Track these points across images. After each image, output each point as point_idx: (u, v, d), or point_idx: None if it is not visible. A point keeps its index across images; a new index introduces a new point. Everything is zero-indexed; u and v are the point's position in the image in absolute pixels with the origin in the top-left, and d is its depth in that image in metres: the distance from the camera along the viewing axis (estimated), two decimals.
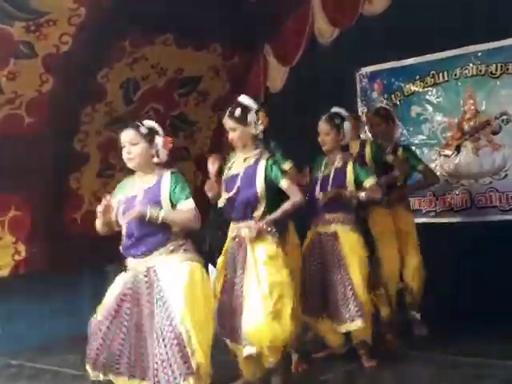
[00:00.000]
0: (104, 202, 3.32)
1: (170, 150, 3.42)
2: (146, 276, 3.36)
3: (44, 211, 5.28)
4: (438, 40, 5.28)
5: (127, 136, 3.36)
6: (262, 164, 3.70)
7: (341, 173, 4.21)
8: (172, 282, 3.30)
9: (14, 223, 5.12)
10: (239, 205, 3.71)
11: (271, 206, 3.70)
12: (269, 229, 3.67)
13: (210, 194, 3.83)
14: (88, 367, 3.46)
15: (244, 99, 3.74)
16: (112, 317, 3.40)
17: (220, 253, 3.90)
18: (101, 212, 3.33)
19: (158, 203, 3.31)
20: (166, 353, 3.21)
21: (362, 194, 4.11)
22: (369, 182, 4.16)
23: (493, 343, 4.41)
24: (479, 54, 5.28)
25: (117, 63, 5.20)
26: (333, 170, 4.23)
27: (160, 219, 3.26)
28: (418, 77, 5.59)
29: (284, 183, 3.66)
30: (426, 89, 5.56)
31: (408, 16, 5.28)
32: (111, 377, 3.41)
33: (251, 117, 3.67)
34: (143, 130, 3.36)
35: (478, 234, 5.07)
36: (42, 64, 4.78)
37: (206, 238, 6.56)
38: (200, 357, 3.22)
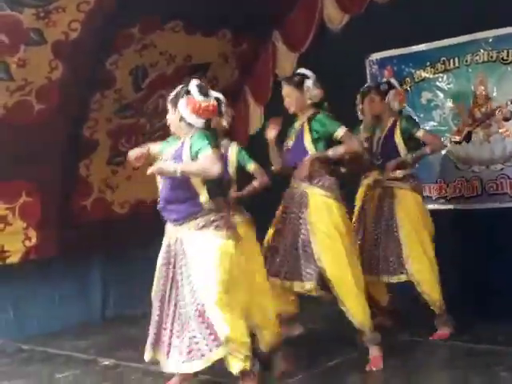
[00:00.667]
0: (143, 149, 3.48)
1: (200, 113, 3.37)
2: (175, 245, 3.36)
3: (54, 198, 5.30)
4: (449, 26, 5.22)
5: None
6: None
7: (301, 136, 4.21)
8: (199, 258, 3.26)
9: (25, 209, 5.15)
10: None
11: None
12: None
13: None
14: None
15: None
16: (161, 291, 3.41)
17: None
18: (136, 154, 3.47)
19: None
20: (190, 325, 3.20)
21: (331, 153, 4.03)
22: (340, 131, 4.02)
23: (504, 330, 4.41)
24: (490, 39, 5.22)
25: (126, 50, 5.19)
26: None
27: (179, 172, 3.20)
28: (428, 63, 5.55)
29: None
30: (436, 75, 5.52)
31: (418, 2, 5.23)
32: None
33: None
34: (175, 97, 3.47)
35: (489, 220, 5.05)
36: (51, 51, 4.78)
37: None
38: (228, 328, 3.18)
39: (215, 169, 3.22)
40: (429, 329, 4.56)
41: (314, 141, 4.02)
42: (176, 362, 3.27)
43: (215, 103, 3.46)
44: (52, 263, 5.40)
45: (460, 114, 5.42)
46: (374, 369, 3.88)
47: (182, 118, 3.41)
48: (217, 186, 3.40)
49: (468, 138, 5.34)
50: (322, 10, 5.89)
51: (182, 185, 3.30)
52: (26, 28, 4.55)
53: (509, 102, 5.14)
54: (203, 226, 3.30)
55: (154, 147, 3.59)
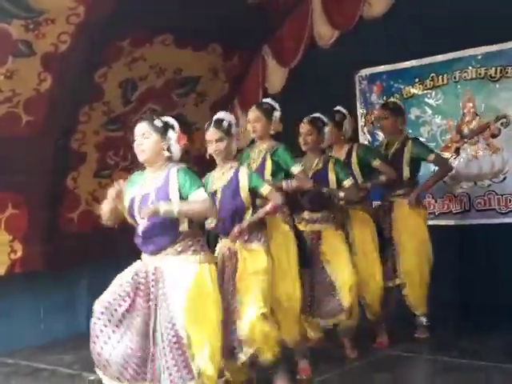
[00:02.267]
0: (117, 186, 3.25)
1: (183, 146, 3.37)
2: (153, 274, 3.31)
3: (41, 210, 5.26)
4: (438, 43, 5.28)
5: (140, 129, 3.32)
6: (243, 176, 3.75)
7: (322, 172, 4.32)
8: (176, 283, 3.24)
9: (11, 222, 5.11)
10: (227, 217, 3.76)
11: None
12: (253, 234, 3.71)
13: None
14: (99, 372, 3.37)
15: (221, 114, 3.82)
16: (117, 316, 3.32)
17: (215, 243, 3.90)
18: (112, 196, 3.25)
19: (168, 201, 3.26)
20: (166, 355, 3.18)
21: (341, 194, 4.24)
22: (347, 182, 4.28)
23: (491, 346, 4.40)
24: (479, 57, 5.27)
25: (115, 63, 5.19)
26: (311, 172, 4.32)
27: (176, 211, 3.17)
28: (417, 79, 5.59)
29: (265, 189, 3.70)
30: (425, 91, 5.56)
31: (408, 19, 5.28)
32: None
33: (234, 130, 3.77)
34: (157, 122, 3.31)
35: (477, 236, 5.06)
36: (40, 63, 4.77)
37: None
38: (202, 361, 3.15)
39: (214, 212, 3.35)
40: (417, 344, 4.56)
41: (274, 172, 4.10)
42: None
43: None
44: (38, 276, 5.34)
45: (448, 130, 5.45)
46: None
47: (168, 148, 3.35)
48: None
49: (456, 154, 5.36)
50: (312, 25, 5.93)
51: (164, 219, 3.25)
52: (14, 39, 4.53)
53: (497, 119, 5.18)
54: (181, 252, 3.29)
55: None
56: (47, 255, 5.31)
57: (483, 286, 5.02)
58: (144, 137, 3.29)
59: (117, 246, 5.62)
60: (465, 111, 5.36)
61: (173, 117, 3.46)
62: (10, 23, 4.45)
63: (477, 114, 5.30)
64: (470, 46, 5.24)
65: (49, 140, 5.13)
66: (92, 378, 4.35)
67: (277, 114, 4.18)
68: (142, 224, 3.31)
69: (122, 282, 3.42)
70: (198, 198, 3.22)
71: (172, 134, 3.34)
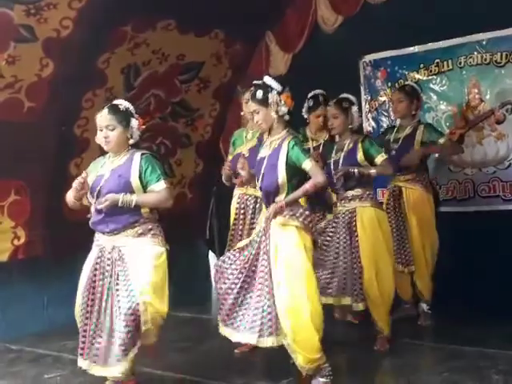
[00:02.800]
0: (80, 179, 3.50)
1: (142, 129, 3.58)
2: (109, 253, 3.49)
3: (44, 196, 5.24)
4: (443, 28, 5.22)
5: (104, 120, 3.48)
6: (285, 147, 3.54)
7: (352, 153, 4.28)
8: (137, 260, 3.42)
9: (14, 208, 5.09)
10: (263, 193, 3.66)
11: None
12: (290, 212, 3.51)
13: (243, 173, 3.88)
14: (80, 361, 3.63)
15: (267, 79, 3.64)
16: (88, 299, 3.58)
17: (220, 241, 3.93)
18: (76, 188, 3.49)
19: (127, 183, 3.44)
20: (123, 327, 3.36)
21: (373, 171, 4.19)
22: (380, 158, 4.22)
23: (495, 333, 4.40)
24: (484, 42, 5.22)
25: (118, 48, 5.15)
26: (342, 154, 4.30)
27: (133, 204, 3.41)
28: (422, 65, 5.54)
29: (307, 164, 3.49)
30: (430, 77, 5.51)
31: (412, 4, 5.21)
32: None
33: (273, 98, 3.53)
34: (120, 115, 3.47)
35: (481, 223, 5.04)
36: (42, 48, 4.73)
37: (209, 226, 6.58)
38: (152, 321, 3.40)
39: (170, 203, 3.49)
40: (422, 332, 4.55)
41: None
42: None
43: None
44: (41, 263, 5.34)
45: (453, 116, 5.41)
46: None
47: (131, 135, 3.54)
48: None
49: (461, 140, 5.32)
50: (315, 11, 5.88)
51: None
52: (16, 24, 4.49)
53: (502, 105, 5.14)
54: (141, 234, 3.47)
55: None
56: (50, 242, 5.30)
57: (487, 272, 5.00)
58: (109, 128, 3.47)
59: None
60: (470, 97, 5.31)
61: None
62: (12, 8, 4.41)
63: (482, 100, 5.26)
64: (476, 31, 5.19)
65: (51, 126, 5.11)
66: None
67: (355, 109, 4.33)
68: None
69: (86, 274, 3.65)
70: (156, 188, 3.44)
71: (134, 122, 3.52)
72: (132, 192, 3.45)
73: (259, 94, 3.56)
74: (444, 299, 4.88)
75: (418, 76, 5.57)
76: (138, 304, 3.35)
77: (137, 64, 5.40)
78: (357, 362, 4.12)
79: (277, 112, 3.56)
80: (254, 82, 3.75)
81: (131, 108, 3.58)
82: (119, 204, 3.41)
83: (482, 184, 5.24)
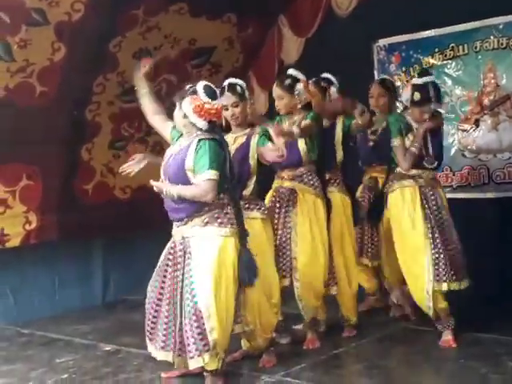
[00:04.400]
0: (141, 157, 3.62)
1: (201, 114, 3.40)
2: (181, 244, 3.39)
3: (55, 181, 5.24)
4: (458, 12, 5.13)
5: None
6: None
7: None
8: (201, 257, 3.31)
9: (26, 193, 5.09)
10: None
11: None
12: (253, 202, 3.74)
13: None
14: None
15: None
16: (158, 290, 3.47)
17: None
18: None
19: (181, 170, 3.34)
20: (186, 326, 3.27)
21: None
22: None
23: (509, 319, 4.35)
24: (500, 26, 5.13)
25: (129, 32, 5.11)
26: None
27: (175, 196, 3.31)
28: (437, 49, 5.45)
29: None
30: (445, 62, 5.43)
31: None
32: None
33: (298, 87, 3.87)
34: None
35: (496, 209, 4.98)
36: (54, 32, 4.70)
37: None
38: (218, 334, 3.26)
39: (209, 197, 3.30)
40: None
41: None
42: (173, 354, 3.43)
43: (220, 106, 3.44)
44: (52, 247, 5.35)
45: (468, 101, 5.33)
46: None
47: (185, 116, 3.42)
48: (225, 183, 3.41)
49: (476, 125, 5.26)
50: None
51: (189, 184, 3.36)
52: (27, 8, 4.47)
53: None
54: (207, 223, 3.34)
55: (167, 127, 3.67)
56: (62, 226, 5.30)
57: (500, 259, 4.96)
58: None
59: (131, 218, 5.62)
60: (485, 82, 5.23)
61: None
62: None
63: (498, 85, 5.17)
64: (492, 15, 5.09)
65: (63, 110, 5.09)
66: (107, 348, 4.38)
67: (299, 85, 4.14)
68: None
69: (161, 261, 3.53)
70: (200, 179, 3.28)
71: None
72: (187, 179, 3.35)
73: (239, 88, 3.79)
74: None
75: (432, 61, 5.49)
76: (200, 311, 3.26)
77: (148, 48, 5.36)
78: (366, 348, 4.10)
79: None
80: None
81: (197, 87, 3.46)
82: (163, 193, 3.35)
83: (496, 170, 5.17)
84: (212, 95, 3.40)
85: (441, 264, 4.01)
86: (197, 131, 3.40)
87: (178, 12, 5.29)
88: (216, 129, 3.46)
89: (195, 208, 3.33)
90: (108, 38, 5.06)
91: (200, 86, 3.43)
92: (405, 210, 4.16)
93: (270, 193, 4.23)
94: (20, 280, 5.31)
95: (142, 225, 5.55)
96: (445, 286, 4.01)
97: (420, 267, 4.04)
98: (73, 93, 5.09)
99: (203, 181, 3.27)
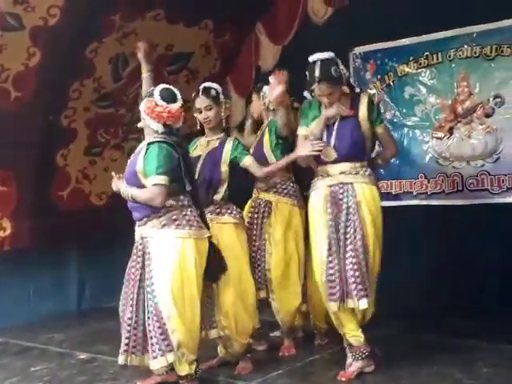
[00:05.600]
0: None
1: (154, 116, 3.41)
2: (140, 244, 3.40)
3: (30, 187, 5.20)
4: (433, 20, 5.20)
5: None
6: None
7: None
8: (160, 259, 3.31)
9: (0, 198, 5.03)
10: None
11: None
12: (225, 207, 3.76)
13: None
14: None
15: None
16: (126, 291, 3.46)
17: None
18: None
19: (134, 174, 3.36)
20: (149, 326, 3.29)
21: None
22: None
23: (484, 326, 4.41)
24: (474, 35, 5.20)
25: (106, 37, 5.10)
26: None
27: (130, 197, 3.34)
28: (411, 58, 5.51)
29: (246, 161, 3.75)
30: (419, 70, 5.48)
31: None
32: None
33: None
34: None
35: (469, 216, 5.04)
36: (29, 37, 4.69)
37: None
38: (182, 334, 3.26)
39: (157, 202, 3.27)
40: (407, 324, 4.56)
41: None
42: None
43: (175, 109, 3.41)
44: (27, 254, 5.29)
45: (442, 109, 5.40)
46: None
47: (143, 119, 3.45)
48: (182, 185, 3.41)
49: (450, 133, 5.32)
50: (305, 2, 5.87)
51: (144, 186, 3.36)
52: (2, 12, 4.44)
53: (491, 99, 5.14)
54: (164, 225, 3.32)
55: None
56: (36, 233, 5.25)
57: (474, 266, 5.02)
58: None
59: (107, 225, 5.59)
60: (459, 90, 5.30)
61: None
62: None
63: (471, 94, 5.25)
64: (466, 23, 5.17)
65: (38, 116, 5.06)
66: (83, 356, 4.35)
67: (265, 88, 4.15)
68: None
69: (128, 265, 3.51)
70: (148, 183, 3.28)
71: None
72: (140, 182, 3.34)
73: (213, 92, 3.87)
74: (430, 292, 4.90)
75: (407, 69, 5.55)
76: (161, 311, 3.26)
77: (125, 54, 5.34)
78: (342, 355, 4.11)
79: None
80: None
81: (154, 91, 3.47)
82: (121, 193, 3.38)
83: (470, 177, 5.24)
84: (168, 98, 3.39)
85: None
86: (153, 134, 3.40)
87: (154, 18, 5.29)
88: (174, 131, 3.43)
89: (153, 209, 3.32)
90: (84, 44, 5.04)
91: (158, 88, 3.43)
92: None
93: (248, 204, 4.23)
94: None
95: (118, 231, 5.51)
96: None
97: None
98: (48, 98, 5.05)
99: (151, 185, 3.27)
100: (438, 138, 5.41)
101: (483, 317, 4.54)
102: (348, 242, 3.56)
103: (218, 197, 3.76)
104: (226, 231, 3.69)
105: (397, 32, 5.44)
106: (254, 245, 4.06)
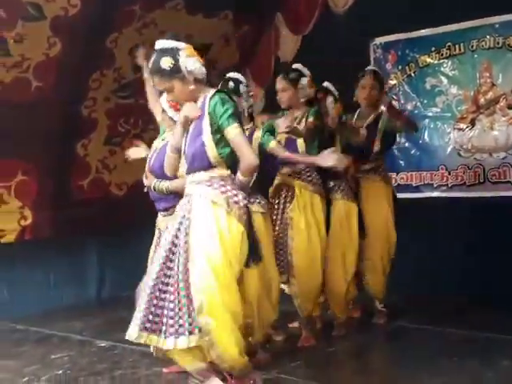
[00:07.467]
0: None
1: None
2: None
3: (51, 177, 5.24)
4: (455, 11, 5.14)
5: None
6: None
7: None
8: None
9: (21, 188, 5.09)
10: None
11: None
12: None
13: None
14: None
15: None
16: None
17: None
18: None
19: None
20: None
21: None
22: None
23: (503, 318, 4.37)
24: (497, 25, 5.14)
25: (126, 28, 5.10)
26: None
27: (166, 191, 3.38)
28: (433, 48, 5.46)
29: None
30: (441, 60, 5.43)
31: None
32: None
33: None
34: None
35: (491, 209, 4.99)
36: (50, 27, 4.69)
37: None
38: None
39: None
40: (427, 316, 4.54)
41: None
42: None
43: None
44: (48, 243, 5.34)
45: (464, 100, 5.35)
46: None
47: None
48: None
49: (472, 125, 5.27)
50: None
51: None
52: (24, 2, 4.45)
53: None
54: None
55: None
56: (57, 222, 5.30)
57: (496, 258, 4.97)
58: None
59: (127, 215, 5.61)
60: (481, 81, 5.24)
61: None
62: None
63: (494, 85, 5.19)
64: (488, 14, 5.11)
65: (59, 106, 5.08)
66: (103, 344, 4.38)
67: (304, 80, 4.12)
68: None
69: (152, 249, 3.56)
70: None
71: None
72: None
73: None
74: (449, 285, 4.87)
75: (428, 59, 5.50)
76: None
77: (145, 44, 5.34)
78: (361, 346, 4.11)
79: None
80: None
81: None
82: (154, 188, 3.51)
83: (492, 169, 5.19)
84: None
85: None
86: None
87: (174, 8, 5.28)
88: None
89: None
90: (104, 34, 5.05)
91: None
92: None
93: (271, 189, 4.23)
94: (15, 276, 5.30)
95: (138, 221, 5.54)
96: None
97: None
98: (69, 88, 5.07)
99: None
100: (459, 130, 5.36)
101: (504, 310, 4.49)
102: None
103: None
104: (255, 220, 3.54)
105: (418, 22, 5.39)
106: (274, 229, 4.05)
